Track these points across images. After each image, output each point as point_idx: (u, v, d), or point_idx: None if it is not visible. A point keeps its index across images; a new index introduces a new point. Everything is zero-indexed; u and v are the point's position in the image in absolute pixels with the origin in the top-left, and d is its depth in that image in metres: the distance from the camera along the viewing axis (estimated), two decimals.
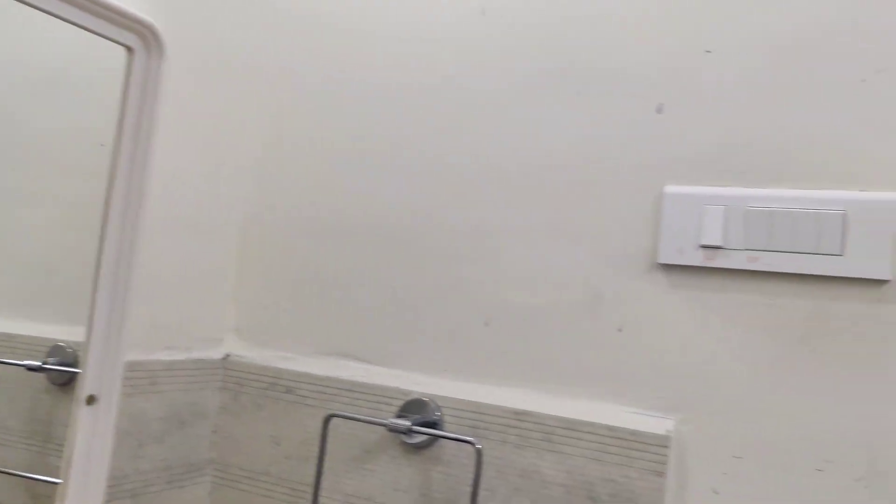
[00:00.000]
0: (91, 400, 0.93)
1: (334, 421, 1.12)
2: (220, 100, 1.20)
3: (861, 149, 0.89)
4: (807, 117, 0.92)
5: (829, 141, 0.91)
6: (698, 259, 0.96)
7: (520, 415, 1.01)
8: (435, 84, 1.14)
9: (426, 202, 1.13)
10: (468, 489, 1.01)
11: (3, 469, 0.87)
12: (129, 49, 0.95)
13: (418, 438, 1.05)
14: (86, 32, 0.90)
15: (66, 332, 0.91)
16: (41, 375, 0.90)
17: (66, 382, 0.92)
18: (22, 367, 0.88)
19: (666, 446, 0.93)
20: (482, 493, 1.01)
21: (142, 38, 0.95)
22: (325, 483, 1.13)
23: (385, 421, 1.03)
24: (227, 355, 1.23)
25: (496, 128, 1.09)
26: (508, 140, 1.08)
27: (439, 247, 1.11)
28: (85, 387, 0.92)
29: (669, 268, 0.97)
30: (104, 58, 0.94)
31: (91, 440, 0.93)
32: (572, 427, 0.98)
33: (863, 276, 0.88)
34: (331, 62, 1.23)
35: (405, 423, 1.01)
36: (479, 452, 0.97)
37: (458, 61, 1.13)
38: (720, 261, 0.94)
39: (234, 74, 1.22)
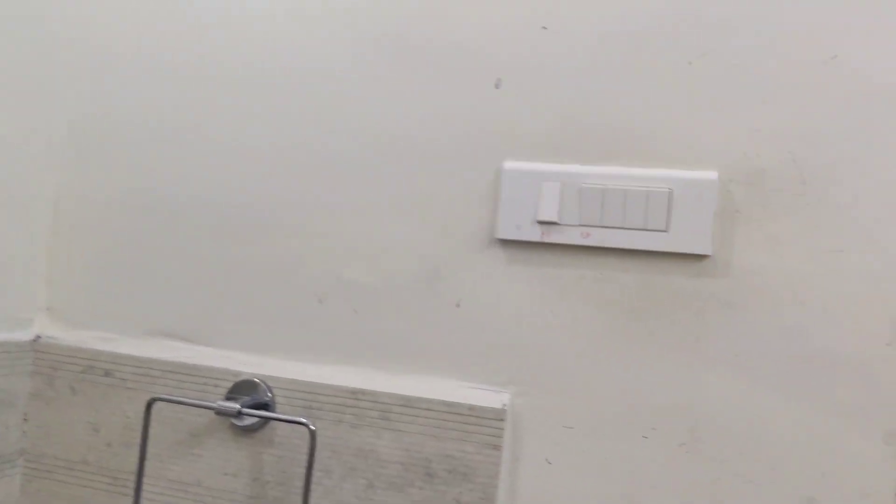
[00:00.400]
0: None
1: (158, 405, 1.05)
2: (29, 63, 1.09)
3: (686, 129, 0.93)
4: (637, 97, 0.94)
5: (658, 121, 0.94)
6: (536, 234, 0.96)
7: (356, 394, 0.99)
8: (262, 54, 1.08)
9: (257, 176, 1.07)
10: (302, 471, 0.98)
11: None
12: None
13: (249, 421, 1.01)
14: None
15: None
16: None
17: None
18: None
19: (502, 419, 0.94)
20: (317, 475, 0.98)
21: None
22: (149, 470, 1.06)
23: (213, 404, 0.98)
24: (38, 337, 1.13)
25: (331, 100, 1.05)
26: (343, 112, 1.04)
27: (271, 222, 1.06)
28: None
29: (507, 243, 0.98)
30: None
31: None
32: (409, 404, 0.97)
33: (686, 252, 0.91)
34: (142, 30, 1.13)
35: (234, 405, 0.96)
36: (312, 433, 0.94)
37: (285, 30, 1.07)
38: (556, 236, 0.96)
39: (45, 34, 1.11)
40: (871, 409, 0.85)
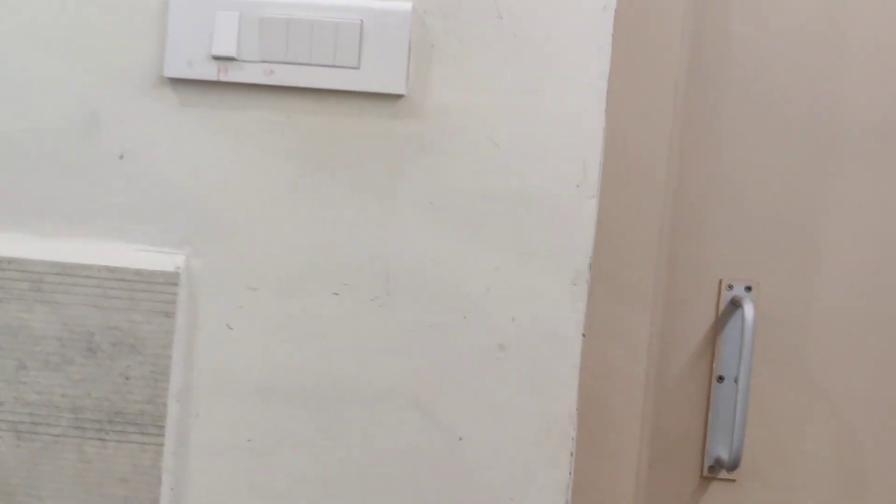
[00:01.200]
0: None
1: None
2: None
3: None
4: None
5: None
6: (211, 72, 0.84)
7: None
8: None
9: None
10: None
11: None
12: None
13: None
14: None
15: None
16: None
17: None
18: None
19: (175, 284, 0.83)
20: None
21: None
22: None
23: None
24: None
25: None
26: None
27: None
28: None
29: (178, 82, 0.84)
30: None
31: None
32: (66, 272, 0.83)
33: (379, 91, 0.83)
34: None
35: None
36: None
37: None
38: (234, 74, 0.84)
39: None
40: (561, 252, 0.84)
